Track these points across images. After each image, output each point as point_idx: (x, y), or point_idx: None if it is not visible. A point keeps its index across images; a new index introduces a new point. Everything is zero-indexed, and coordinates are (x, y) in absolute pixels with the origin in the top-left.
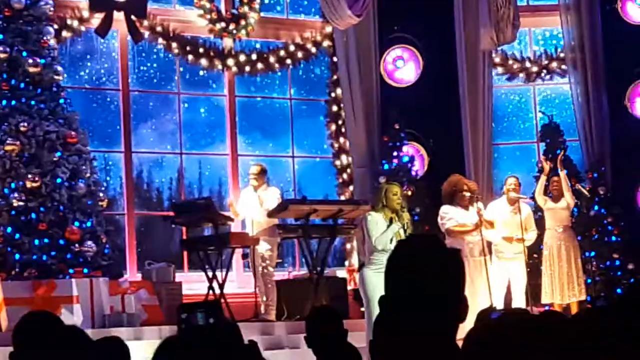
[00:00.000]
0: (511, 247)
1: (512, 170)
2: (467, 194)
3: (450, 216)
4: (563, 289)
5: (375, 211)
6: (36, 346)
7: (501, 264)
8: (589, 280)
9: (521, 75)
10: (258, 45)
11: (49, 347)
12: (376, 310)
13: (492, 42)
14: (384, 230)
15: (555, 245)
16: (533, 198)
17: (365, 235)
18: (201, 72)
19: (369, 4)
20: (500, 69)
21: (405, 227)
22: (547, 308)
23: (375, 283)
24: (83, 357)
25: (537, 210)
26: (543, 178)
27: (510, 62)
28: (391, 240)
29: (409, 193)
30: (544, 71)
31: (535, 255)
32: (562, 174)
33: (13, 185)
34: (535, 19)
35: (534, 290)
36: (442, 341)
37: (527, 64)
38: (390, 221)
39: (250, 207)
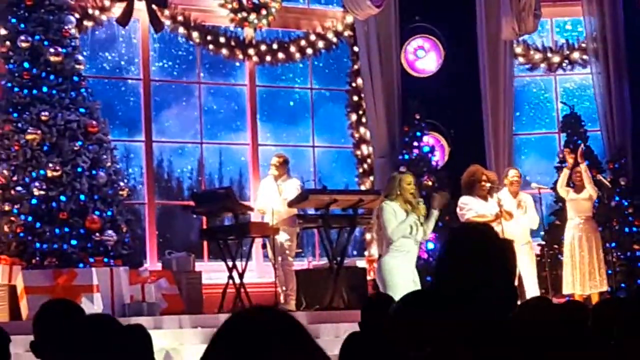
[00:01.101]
0: (519, 238)
1: (534, 161)
2: (487, 185)
3: (469, 207)
4: (584, 280)
5: (390, 200)
6: (56, 334)
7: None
8: (610, 271)
9: (542, 65)
10: (279, 35)
11: (71, 335)
12: (396, 295)
13: (514, 32)
14: (403, 220)
15: (577, 236)
16: (554, 188)
17: (381, 225)
18: (222, 62)
19: None
20: (521, 59)
21: (420, 220)
22: (567, 299)
23: (395, 266)
24: (105, 345)
25: (558, 200)
26: (566, 171)
27: (532, 52)
28: (411, 231)
29: (429, 183)
30: (566, 61)
31: (555, 246)
32: (583, 166)
33: (34, 174)
34: (556, 9)
35: (554, 280)
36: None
37: (549, 54)
38: (406, 212)
39: (270, 197)
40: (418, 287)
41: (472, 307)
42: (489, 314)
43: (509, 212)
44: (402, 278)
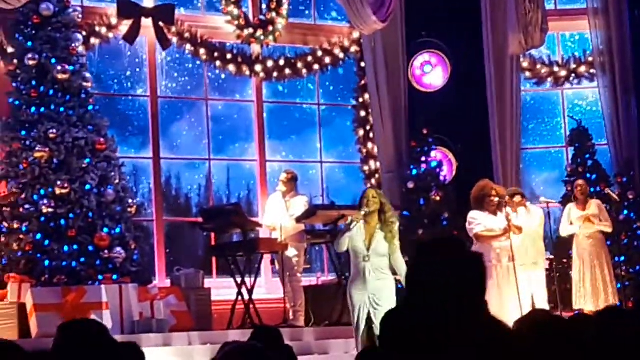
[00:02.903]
0: (529, 254)
1: (541, 175)
2: (496, 199)
3: (478, 221)
4: (595, 295)
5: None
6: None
7: (522, 271)
8: (619, 285)
9: (549, 79)
10: (286, 51)
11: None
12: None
13: (520, 47)
14: (342, 233)
15: (586, 251)
16: (562, 202)
17: None
18: (229, 78)
19: (394, 9)
20: (528, 73)
21: (390, 233)
22: (576, 313)
23: (349, 286)
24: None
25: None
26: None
27: (539, 66)
28: (367, 243)
29: (437, 198)
30: (573, 75)
31: (564, 261)
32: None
33: (42, 191)
34: (563, 23)
35: (562, 295)
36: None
37: (556, 68)
38: (351, 222)
39: (278, 213)
40: (371, 309)
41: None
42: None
43: (518, 226)
44: (354, 299)
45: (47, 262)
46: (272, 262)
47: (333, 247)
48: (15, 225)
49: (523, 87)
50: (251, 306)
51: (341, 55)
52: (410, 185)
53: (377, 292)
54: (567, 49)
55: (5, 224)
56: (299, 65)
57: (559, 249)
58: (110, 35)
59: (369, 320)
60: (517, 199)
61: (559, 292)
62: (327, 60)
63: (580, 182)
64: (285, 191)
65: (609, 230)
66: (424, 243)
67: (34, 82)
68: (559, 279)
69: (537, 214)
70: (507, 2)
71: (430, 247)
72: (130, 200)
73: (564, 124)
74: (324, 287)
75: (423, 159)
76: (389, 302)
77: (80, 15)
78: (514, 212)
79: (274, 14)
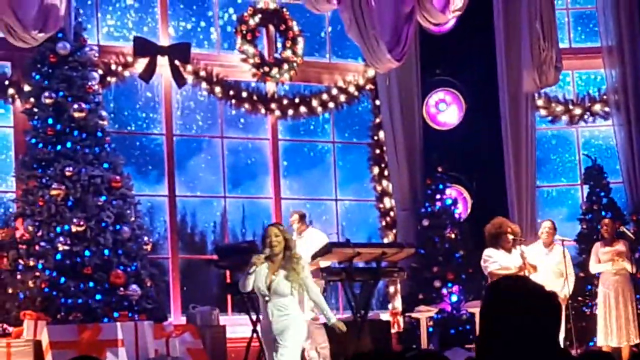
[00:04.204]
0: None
1: (556, 213)
2: (511, 237)
3: (493, 259)
4: (618, 332)
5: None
6: None
7: None
8: None
9: (564, 117)
10: (301, 89)
11: None
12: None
13: (535, 85)
14: (245, 275)
15: (612, 288)
16: (577, 240)
17: None
18: (244, 115)
19: (409, 48)
20: (543, 111)
21: (294, 270)
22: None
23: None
24: None
25: (582, 252)
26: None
27: (553, 104)
28: (267, 282)
29: (452, 236)
30: (587, 113)
31: (579, 299)
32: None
33: (58, 229)
34: (577, 62)
35: (579, 332)
36: None
37: (570, 106)
38: (252, 266)
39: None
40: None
41: None
42: None
43: (533, 265)
44: (263, 343)
45: (63, 300)
46: None
47: (348, 285)
48: (32, 263)
49: (538, 125)
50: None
51: (356, 93)
52: (425, 222)
53: (281, 333)
54: (582, 87)
55: (21, 262)
56: (314, 103)
57: (575, 287)
58: (127, 73)
59: None
60: (545, 225)
61: (574, 329)
62: (342, 98)
63: (606, 220)
64: (299, 229)
65: (633, 269)
66: (493, 283)
67: (50, 120)
68: (574, 317)
69: (558, 251)
70: (521, 40)
71: (502, 286)
72: (145, 238)
73: (578, 162)
74: None
75: (438, 196)
76: (294, 339)
77: (97, 54)
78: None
79: (289, 52)
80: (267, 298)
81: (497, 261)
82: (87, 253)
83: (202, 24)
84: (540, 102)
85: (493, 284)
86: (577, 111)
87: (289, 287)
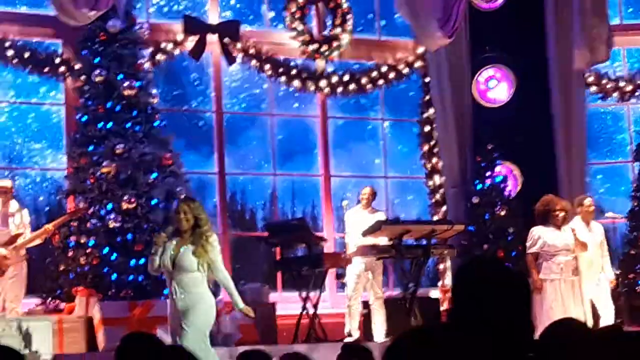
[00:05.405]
0: (593, 269)
1: (607, 190)
2: (561, 214)
3: (535, 240)
4: None
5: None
6: None
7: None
8: None
9: (615, 94)
10: (351, 67)
11: None
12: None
13: (586, 61)
14: (151, 254)
15: None
16: (628, 217)
17: None
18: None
19: (459, 24)
20: (593, 88)
21: (202, 247)
22: None
23: None
24: None
25: (633, 230)
26: None
27: (604, 81)
28: (172, 259)
29: (502, 213)
30: (638, 90)
31: (630, 276)
32: None
33: (109, 206)
34: (628, 38)
35: (631, 310)
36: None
37: (621, 83)
38: (155, 245)
39: (357, 227)
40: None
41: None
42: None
43: (583, 242)
44: (170, 328)
45: (114, 276)
46: (337, 277)
47: (398, 262)
48: (83, 240)
49: (588, 102)
50: (316, 320)
51: (405, 71)
52: (475, 200)
53: (184, 313)
54: (633, 63)
55: (72, 239)
56: (364, 80)
57: (626, 264)
58: (176, 51)
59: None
60: (588, 201)
61: (625, 307)
62: (392, 75)
63: None
64: (366, 205)
65: None
66: (462, 264)
67: (101, 98)
68: (625, 295)
69: (599, 230)
70: (572, 17)
71: (470, 267)
72: None
73: (630, 138)
74: (389, 302)
75: (488, 173)
76: (198, 321)
77: (147, 32)
78: (584, 221)
79: (338, 30)
80: (170, 274)
81: (543, 238)
82: (137, 230)
83: (252, 1)
84: (590, 79)
85: (460, 269)
86: (628, 88)
87: (195, 263)
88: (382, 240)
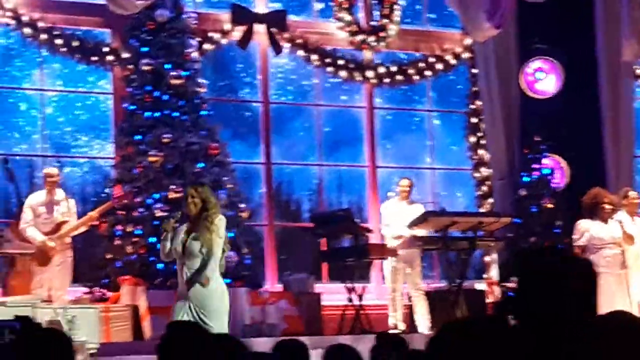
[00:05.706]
0: (638, 263)
1: None
2: (608, 207)
3: (581, 233)
4: None
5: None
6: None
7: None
8: None
9: None
10: (398, 57)
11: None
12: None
13: (634, 53)
14: (162, 240)
15: None
16: None
17: None
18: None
19: (507, 15)
20: None
21: (206, 228)
22: None
23: None
24: None
25: None
26: None
27: None
28: (182, 244)
29: (550, 206)
30: None
31: None
32: None
33: (156, 195)
34: None
35: None
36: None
37: None
38: (164, 231)
39: (396, 219)
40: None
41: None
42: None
43: (630, 235)
44: (174, 310)
45: (160, 265)
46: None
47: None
48: (130, 229)
49: (637, 94)
50: (361, 311)
51: (453, 62)
52: (522, 192)
53: (199, 302)
54: None
55: (119, 227)
56: (411, 71)
57: None
58: (224, 41)
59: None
60: (633, 194)
61: None
62: (439, 66)
63: None
64: (405, 197)
65: None
66: (523, 253)
67: (148, 87)
68: None
69: None
70: (621, 9)
71: (533, 256)
72: (242, 205)
73: None
74: (435, 294)
75: (535, 165)
76: (218, 312)
77: (195, 22)
78: (629, 214)
79: (386, 20)
80: (181, 260)
81: (586, 232)
82: (184, 220)
83: None
84: (639, 71)
85: (520, 260)
86: None
87: (198, 246)
88: (420, 232)
